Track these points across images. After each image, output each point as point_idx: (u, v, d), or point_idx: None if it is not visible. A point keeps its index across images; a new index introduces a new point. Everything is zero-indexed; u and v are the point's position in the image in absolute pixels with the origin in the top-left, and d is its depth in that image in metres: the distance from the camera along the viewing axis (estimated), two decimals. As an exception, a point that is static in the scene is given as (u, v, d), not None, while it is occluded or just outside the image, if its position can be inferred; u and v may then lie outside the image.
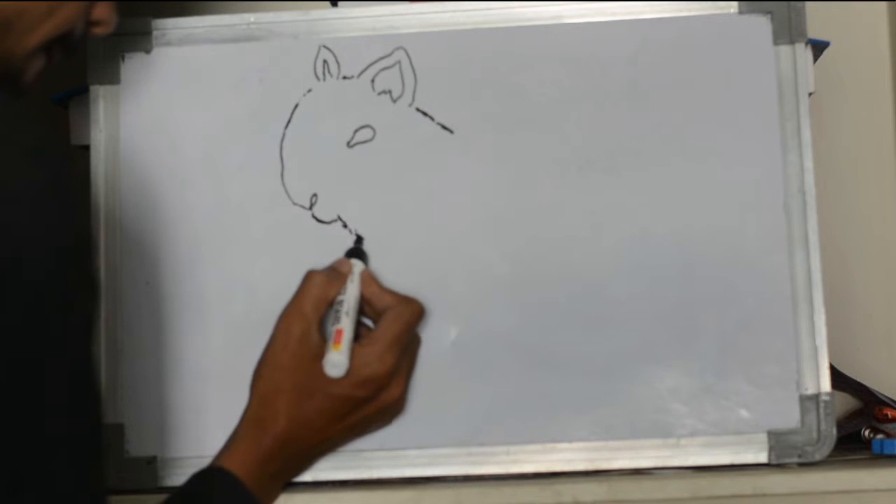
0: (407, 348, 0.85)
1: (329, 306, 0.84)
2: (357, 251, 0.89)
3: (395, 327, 0.84)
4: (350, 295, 0.84)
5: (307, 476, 0.88)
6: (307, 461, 0.86)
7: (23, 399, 0.59)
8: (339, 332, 0.82)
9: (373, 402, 0.83)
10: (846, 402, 1.14)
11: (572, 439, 0.88)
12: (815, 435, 0.88)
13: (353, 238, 0.90)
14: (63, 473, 0.60)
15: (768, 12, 0.91)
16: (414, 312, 0.85)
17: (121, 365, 0.91)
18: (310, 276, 0.85)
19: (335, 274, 0.85)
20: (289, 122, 0.92)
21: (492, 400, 0.89)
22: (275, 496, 0.83)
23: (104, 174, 0.92)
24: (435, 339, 0.90)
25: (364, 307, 0.86)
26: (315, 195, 0.92)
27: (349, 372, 0.81)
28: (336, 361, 0.81)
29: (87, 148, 0.94)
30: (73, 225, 0.62)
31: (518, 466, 0.88)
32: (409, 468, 0.89)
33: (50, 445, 0.60)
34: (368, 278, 0.86)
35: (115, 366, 0.91)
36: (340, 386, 0.81)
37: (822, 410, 0.88)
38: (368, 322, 0.87)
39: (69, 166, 0.64)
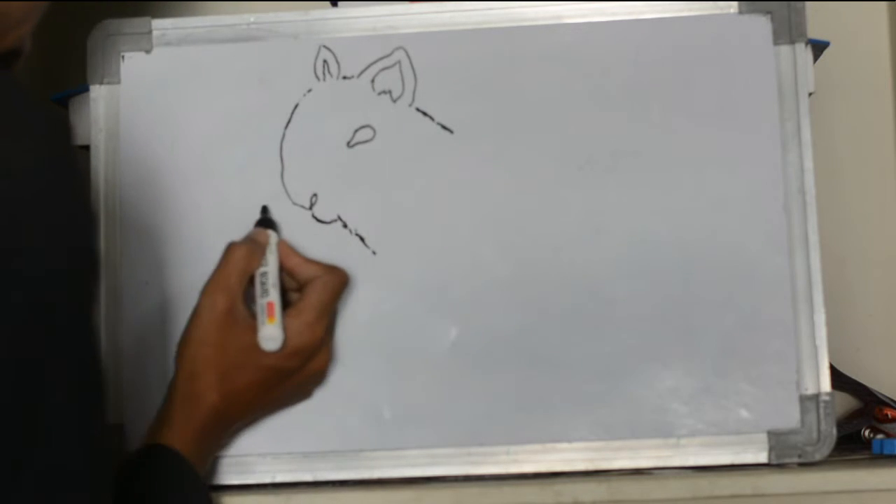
0: (332, 318, 0.86)
1: (250, 278, 0.84)
2: (267, 221, 0.89)
3: (324, 296, 0.84)
4: (272, 266, 0.84)
5: (307, 476, 0.88)
6: (235, 432, 0.86)
7: (25, 387, 0.58)
8: (271, 305, 0.81)
9: (301, 372, 0.84)
10: (846, 402, 1.13)
11: (572, 439, 0.88)
12: (815, 435, 0.88)
13: (260, 210, 0.90)
14: (66, 459, 0.60)
15: (768, 12, 0.91)
16: (341, 281, 0.85)
17: (121, 365, 0.91)
18: (232, 248, 0.84)
19: (255, 245, 0.85)
20: (289, 122, 0.92)
21: (492, 400, 0.89)
22: (206, 469, 0.84)
23: (104, 174, 0.92)
24: (435, 339, 0.90)
25: (284, 278, 0.85)
26: (315, 195, 0.92)
27: (292, 354, 0.82)
28: (271, 335, 0.80)
29: (87, 148, 0.94)
30: (71, 198, 0.61)
31: (518, 466, 0.88)
32: (409, 468, 0.89)
33: (53, 429, 0.60)
34: (287, 249, 0.86)
35: (115, 366, 0.90)
36: (271, 357, 0.81)
37: (822, 410, 0.88)
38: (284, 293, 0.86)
39: (66, 142, 0.63)
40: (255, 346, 0.81)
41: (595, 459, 0.88)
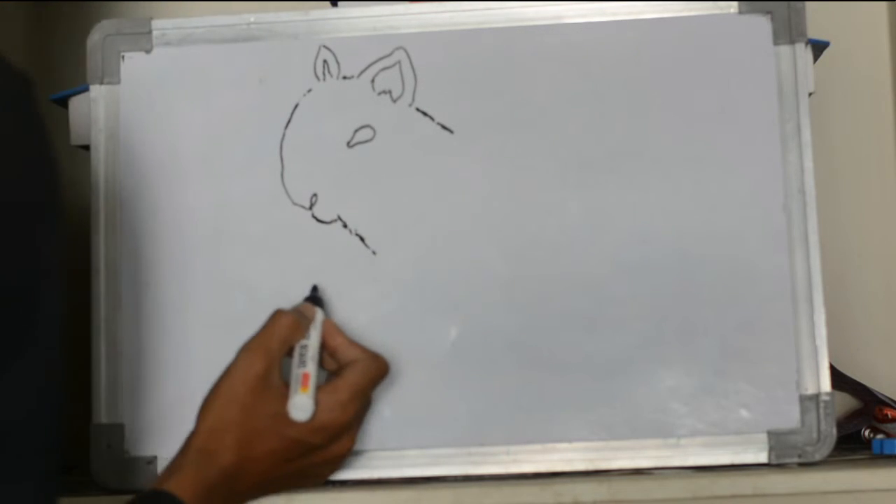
0: (364, 404, 0.84)
1: (291, 349, 0.82)
2: (315, 299, 0.88)
3: (362, 380, 0.82)
4: (314, 340, 0.82)
5: (307, 476, 0.88)
6: (247, 498, 0.83)
7: None
8: (306, 376, 0.80)
9: (323, 451, 0.81)
10: (846, 402, 1.14)
11: (572, 439, 0.88)
12: (815, 435, 0.88)
13: (310, 288, 0.89)
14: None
15: (768, 12, 0.91)
16: (380, 370, 0.84)
17: (121, 365, 0.91)
18: (279, 315, 0.82)
19: (302, 318, 0.83)
20: (289, 122, 0.92)
21: (492, 400, 0.89)
22: None
23: (104, 174, 0.92)
24: (435, 339, 0.90)
25: (323, 356, 0.84)
26: (315, 195, 0.92)
27: (318, 429, 0.80)
28: (302, 405, 0.79)
29: (87, 148, 0.94)
30: (34, 141, 0.60)
31: (518, 466, 0.88)
32: (409, 468, 0.89)
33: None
34: (333, 328, 0.85)
35: (115, 366, 0.91)
36: (297, 429, 0.79)
37: (822, 410, 0.88)
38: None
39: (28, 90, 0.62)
40: (282, 415, 0.79)
41: (595, 459, 0.88)
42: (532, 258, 0.90)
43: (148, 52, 0.94)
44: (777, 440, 0.88)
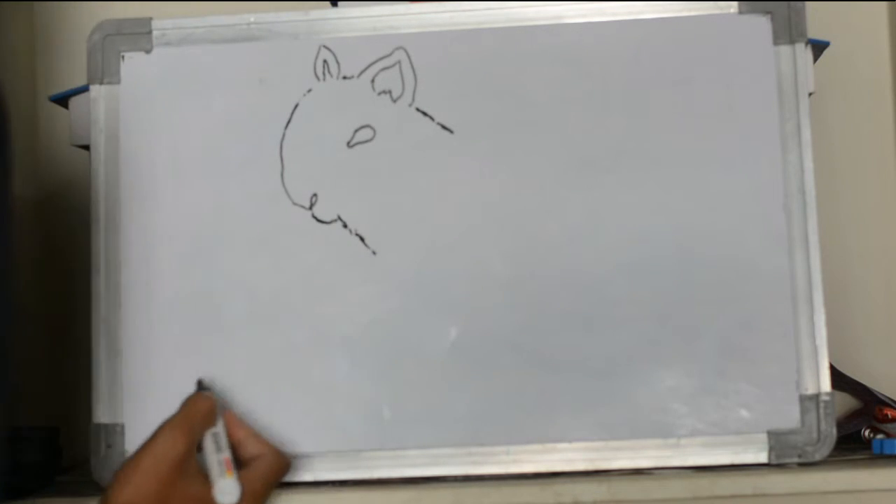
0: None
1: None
2: (204, 389, 0.87)
3: (272, 476, 0.83)
4: (222, 428, 0.83)
5: (307, 476, 0.88)
6: None
7: None
8: (228, 461, 0.81)
9: None
10: (846, 402, 1.13)
11: (572, 439, 0.88)
12: (815, 435, 0.88)
13: (196, 383, 0.87)
14: None
15: (768, 12, 0.91)
16: (286, 467, 0.85)
17: (121, 365, 0.91)
18: (199, 398, 0.83)
19: (215, 406, 0.84)
20: (289, 122, 0.92)
21: (492, 400, 0.89)
22: None
23: (104, 174, 0.92)
24: (435, 339, 0.90)
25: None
26: (315, 195, 0.92)
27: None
28: (230, 489, 0.79)
29: (87, 148, 0.94)
30: None
31: (518, 466, 0.88)
32: (409, 468, 0.89)
33: None
34: (236, 420, 0.85)
35: (114, 366, 0.91)
36: None
37: (822, 410, 0.88)
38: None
39: None
40: (199, 498, 0.79)
41: (595, 459, 0.88)
42: (532, 258, 0.90)
43: (148, 52, 0.94)
44: (777, 440, 0.88)
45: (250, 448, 0.84)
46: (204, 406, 0.83)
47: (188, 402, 0.83)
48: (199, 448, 0.82)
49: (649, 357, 0.89)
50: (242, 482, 0.81)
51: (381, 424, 0.89)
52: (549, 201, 0.91)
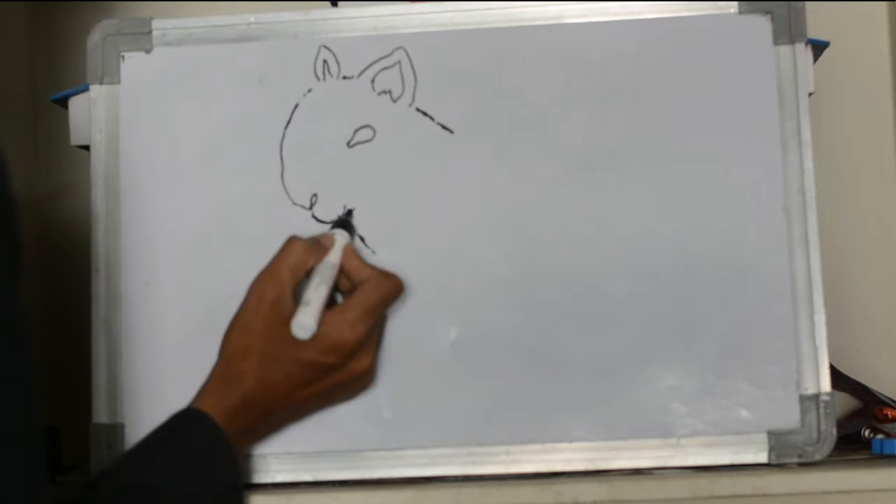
0: (378, 322, 0.86)
1: (306, 275, 0.84)
2: (344, 222, 0.89)
3: (371, 298, 0.84)
4: (328, 264, 0.84)
5: (307, 476, 0.88)
6: (273, 425, 0.86)
7: None
8: (314, 296, 0.82)
9: (340, 371, 0.83)
10: (846, 402, 1.13)
11: (572, 439, 0.88)
12: (815, 435, 0.88)
13: (343, 209, 0.90)
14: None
15: (768, 12, 0.91)
16: (392, 287, 0.86)
17: (121, 365, 0.91)
18: (290, 241, 0.85)
19: (316, 244, 0.85)
20: (289, 122, 0.92)
21: (492, 400, 0.89)
22: (240, 453, 0.84)
23: (104, 174, 0.92)
24: (435, 339, 0.90)
25: (342, 280, 0.86)
26: (315, 195, 0.92)
27: (318, 337, 0.81)
28: (303, 323, 0.80)
29: (87, 148, 0.94)
30: None
31: (518, 466, 0.88)
32: (409, 468, 0.89)
33: None
34: (350, 252, 0.87)
35: (115, 366, 0.91)
36: (309, 351, 0.81)
37: (822, 410, 0.88)
38: (340, 297, 0.87)
39: None
40: (294, 340, 0.81)
41: (595, 459, 0.88)
42: (532, 258, 0.90)
43: (148, 52, 0.94)
44: (777, 440, 0.88)
45: (359, 275, 0.85)
46: (295, 248, 0.84)
47: (282, 248, 0.85)
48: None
49: (649, 357, 0.89)
50: (334, 314, 0.82)
51: (381, 424, 0.89)
52: (550, 201, 0.91)
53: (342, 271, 0.85)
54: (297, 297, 0.83)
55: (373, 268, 0.86)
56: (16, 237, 0.63)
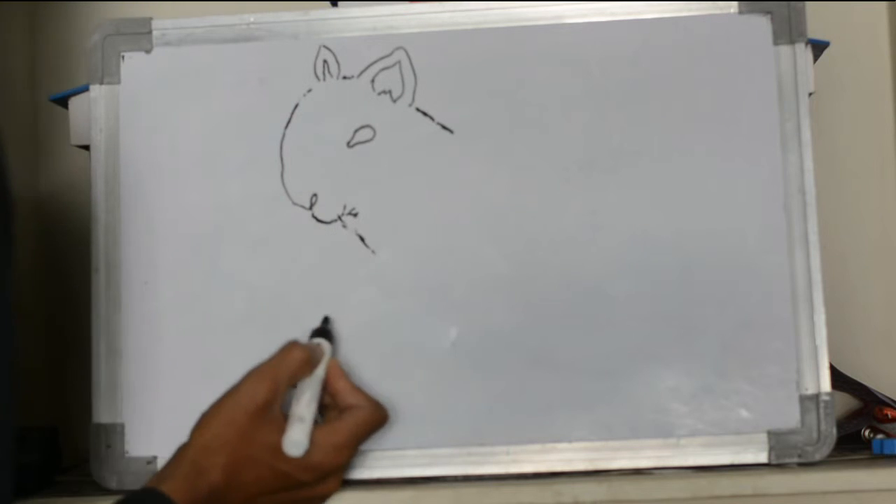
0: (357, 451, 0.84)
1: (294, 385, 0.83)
2: (324, 332, 0.88)
3: (362, 428, 0.83)
4: (317, 379, 0.83)
5: (307, 476, 0.88)
6: None
7: None
8: (304, 414, 0.80)
9: (308, 489, 0.82)
10: (846, 402, 1.14)
11: (572, 439, 0.88)
12: (815, 435, 0.88)
13: (322, 319, 0.89)
14: None
15: (768, 12, 0.91)
16: (381, 420, 0.84)
17: (121, 365, 0.91)
18: (292, 347, 0.83)
19: (313, 355, 0.83)
20: (289, 122, 0.92)
21: (492, 400, 0.89)
22: None
23: (104, 174, 0.92)
24: (435, 339, 0.90)
25: (325, 396, 0.84)
26: (315, 195, 0.92)
27: (313, 467, 0.80)
28: (298, 440, 0.79)
29: (87, 148, 0.94)
30: None
31: (518, 466, 0.88)
32: (409, 468, 0.89)
33: None
34: (338, 370, 0.85)
35: (115, 366, 0.91)
36: (288, 464, 0.80)
37: (822, 410, 0.88)
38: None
39: None
40: (276, 448, 0.79)
41: (595, 459, 0.88)
42: (532, 258, 0.90)
43: (148, 52, 0.94)
44: (777, 440, 0.88)
45: (348, 399, 0.84)
46: (296, 356, 0.82)
47: (281, 350, 0.82)
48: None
49: (649, 357, 0.89)
50: (324, 435, 0.80)
51: (381, 424, 0.89)
52: (550, 201, 0.91)
53: (325, 387, 0.84)
54: (283, 405, 0.81)
55: (364, 394, 0.84)
56: (7, 225, 0.62)
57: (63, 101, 0.97)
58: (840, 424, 0.92)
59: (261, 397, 0.80)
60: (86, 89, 0.94)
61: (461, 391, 0.89)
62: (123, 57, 0.94)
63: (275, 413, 0.80)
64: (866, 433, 1.05)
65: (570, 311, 0.90)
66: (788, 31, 0.91)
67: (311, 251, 0.91)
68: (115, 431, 0.90)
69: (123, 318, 0.91)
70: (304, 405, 0.81)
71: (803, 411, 0.88)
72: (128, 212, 0.92)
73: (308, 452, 0.80)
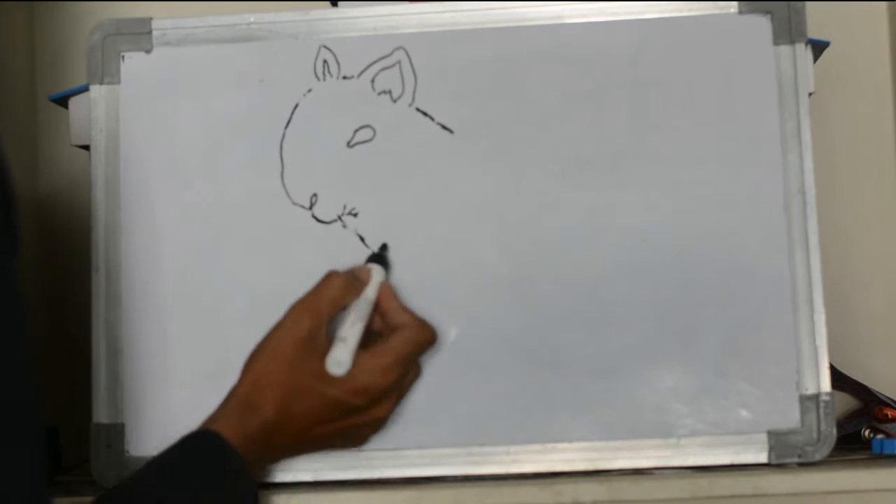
0: (408, 372, 0.85)
1: (342, 310, 0.83)
2: (380, 257, 0.88)
3: (407, 347, 0.83)
4: (365, 301, 0.83)
5: (307, 476, 0.88)
6: (285, 455, 0.85)
7: None
8: (351, 334, 0.81)
9: (362, 413, 0.82)
10: (846, 402, 1.14)
11: (572, 439, 0.88)
12: (815, 435, 0.88)
13: (380, 245, 0.90)
14: None
15: (768, 12, 0.91)
16: (428, 338, 0.84)
17: (121, 365, 0.91)
18: (330, 276, 0.84)
19: (355, 280, 0.84)
20: (289, 122, 0.92)
21: (492, 400, 0.89)
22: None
23: (104, 174, 0.92)
24: (435, 339, 0.90)
25: (376, 318, 0.85)
26: (315, 195, 0.92)
27: (349, 376, 0.80)
28: (340, 359, 0.79)
29: (87, 148, 0.94)
30: None
31: (518, 466, 0.88)
32: (409, 468, 0.89)
33: None
34: (388, 291, 0.85)
35: (115, 366, 0.91)
36: (336, 389, 0.80)
37: (822, 410, 0.88)
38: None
39: None
40: (323, 374, 0.80)
41: (595, 459, 0.88)
42: (532, 258, 0.90)
43: (148, 52, 0.94)
44: (777, 440, 0.88)
45: (394, 319, 0.84)
46: (335, 283, 0.83)
47: (322, 280, 0.83)
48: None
49: (649, 357, 0.89)
50: (368, 356, 0.80)
51: (381, 424, 0.89)
52: (550, 201, 0.91)
53: (376, 309, 0.84)
54: (330, 332, 0.82)
55: (411, 314, 0.84)
56: (9, 209, 0.62)
57: (63, 101, 0.97)
58: (840, 424, 0.92)
59: (304, 327, 0.81)
60: (86, 89, 0.94)
61: (461, 391, 0.89)
62: (123, 57, 0.94)
63: (320, 342, 0.81)
64: (866, 433, 1.05)
65: (570, 311, 0.90)
66: (788, 31, 0.91)
67: (311, 251, 0.91)
68: (115, 431, 0.90)
69: (124, 318, 0.91)
70: (349, 326, 0.81)
71: (803, 411, 0.88)
72: (128, 212, 0.92)
73: (354, 375, 0.80)
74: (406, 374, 0.84)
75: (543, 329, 0.89)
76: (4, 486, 0.60)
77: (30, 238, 1.17)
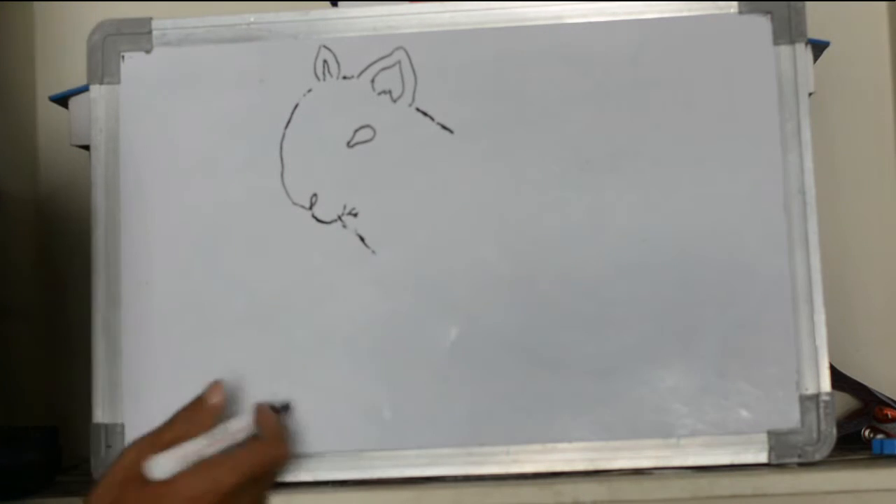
0: (251, 488, 0.78)
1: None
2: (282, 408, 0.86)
3: (251, 458, 0.78)
4: (222, 428, 0.79)
5: (307, 476, 0.88)
6: None
7: None
8: (182, 444, 0.77)
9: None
10: (846, 402, 1.14)
11: (572, 439, 0.88)
12: (815, 435, 0.88)
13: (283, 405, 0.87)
14: None
15: (768, 12, 0.91)
16: (277, 455, 0.80)
17: (121, 365, 0.91)
18: (177, 414, 0.80)
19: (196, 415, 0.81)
20: (289, 122, 0.92)
21: (492, 400, 0.89)
22: None
23: (104, 174, 0.92)
24: (435, 339, 0.90)
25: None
26: (315, 195, 0.92)
27: (175, 491, 0.75)
28: (158, 461, 0.76)
29: (87, 148, 0.94)
30: None
31: (518, 466, 0.88)
32: (409, 468, 0.89)
33: None
34: (268, 414, 0.82)
35: (115, 366, 0.91)
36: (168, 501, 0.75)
37: (822, 410, 0.88)
38: None
39: None
40: (156, 493, 0.75)
41: (595, 459, 0.88)
42: (532, 258, 0.90)
43: (148, 52, 0.94)
44: (777, 440, 0.88)
45: (261, 432, 0.81)
46: (179, 417, 0.80)
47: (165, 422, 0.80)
48: None
49: (649, 357, 0.89)
50: (206, 466, 0.76)
51: (381, 424, 0.89)
52: (550, 201, 0.91)
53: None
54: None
55: (277, 430, 0.81)
56: None
57: (63, 101, 0.97)
58: (840, 424, 0.92)
59: (132, 455, 0.77)
60: (86, 89, 0.94)
61: (461, 391, 0.89)
62: (123, 57, 0.94)
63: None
64: (866, 433, 1.05)
65: (570, 311, 0.90)
66: (788, 31, 0.91)
67: (311, 251, 0.91)
68: (115, 431, 0.90)
69: (123, 318, 0.91)
70: (189, 441, 0.78)
71: (803, 411, 0.88)
72: (128, 212, 0.92)
73: (180, 485, 0.75)
74: (248, 490, 0.78)
75: (543, 329, 0.89)
76: None
77: (29, 238, 1.17)
